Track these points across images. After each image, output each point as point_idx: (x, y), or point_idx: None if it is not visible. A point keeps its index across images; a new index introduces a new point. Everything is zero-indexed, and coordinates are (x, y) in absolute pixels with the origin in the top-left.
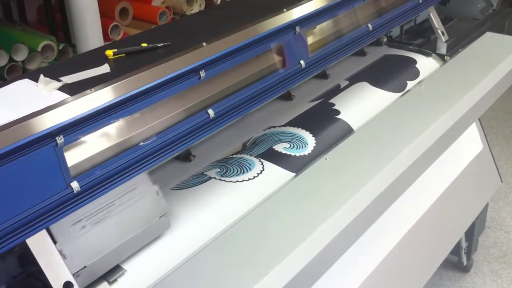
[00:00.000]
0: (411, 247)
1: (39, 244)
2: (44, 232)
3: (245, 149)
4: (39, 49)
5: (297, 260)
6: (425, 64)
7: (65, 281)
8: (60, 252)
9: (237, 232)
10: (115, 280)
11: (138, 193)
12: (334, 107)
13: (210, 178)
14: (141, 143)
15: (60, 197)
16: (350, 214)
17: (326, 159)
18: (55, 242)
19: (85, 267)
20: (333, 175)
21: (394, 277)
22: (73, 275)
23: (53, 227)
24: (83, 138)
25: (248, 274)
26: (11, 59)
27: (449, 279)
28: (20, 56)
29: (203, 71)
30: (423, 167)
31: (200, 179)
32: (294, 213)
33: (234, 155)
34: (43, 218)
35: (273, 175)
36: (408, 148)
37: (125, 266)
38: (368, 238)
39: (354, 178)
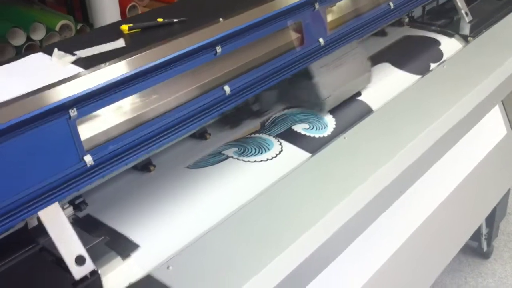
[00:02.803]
0: (430, 232)
1: (52, 218)
2: (56, 205)
3: (264, 128)
4: (57, 28)
5: (312, 239)
6: (449, 46)
7: (77, 254)
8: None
9: (251, 211)
10: (128, 255)
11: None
12: None
13: (227, 157)
14: (155, 119)
15: (73, 171)
16: (368, 194)
17: (344, 138)
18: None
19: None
20: (352, 154)
21: (412, 262)
22: None
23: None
24: (97, 112)
25: (261, 253)
26: (29, 38)
27: (468, 265)
28: (38, 35)
29: (220, 46)
30: (444, 149)
31: (218, 158)
32: (311, 192)
33: (253, 135)
34: (56, 191)
35: (291, 156)
36: (429, 129)
37: (139, 241)
38: (388, 221)
39: (373, 157)
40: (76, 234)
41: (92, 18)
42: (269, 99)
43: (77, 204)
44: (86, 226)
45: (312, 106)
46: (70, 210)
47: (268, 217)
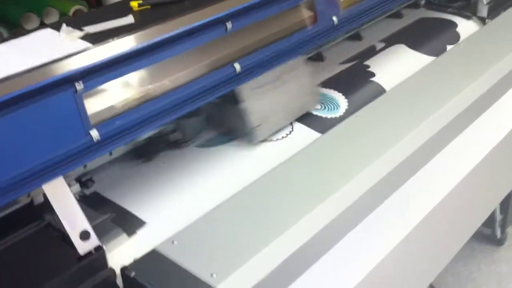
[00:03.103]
0: (442, 217)
1: (56, 192)
2: (61, 179)
3: None
4: (70, 13)
5: (320, 217)
6: (466, 28)
7: (82, 229)
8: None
9: (257, 189)
10: (134, 232)
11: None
12: (369, 69)
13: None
14: (163, 95)
15: (79, 145)
16: (379, 173)
17: (356, 116)
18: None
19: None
20: (363, 132)
21: (423, 247)
22: None
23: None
24: (104, 86)
25: (266, 230)
26: (42, 23)
27: (481, 251)
28: (51, 20)
29: (230, 22)
30: (458, 131)
31: (227, 137)
32: (320, 170)
33: None
34: (61, 165)
35: (302, 136)
36: (444, 109)
37: (145, 219)
38: (398, 204)
39: (385, 135)
40: (83, 210)
41: (105, 3)
42: (191, 127)
43: (84, 182)
44: (93, 203)
45: (241, 135)
46: (77, 187)
47: (274, 195)
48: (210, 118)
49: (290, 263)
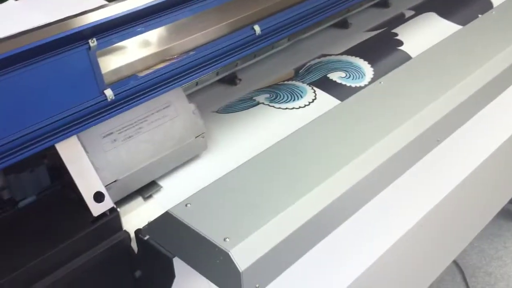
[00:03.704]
0: (468, 191)
1: (70, 152)
2: (75, 139)
3: (297, 76)
4: None
5: (342, 182)
6: None
7: (96, 191)
8: (92, 163)
9: (276, 152)
10: (150, 196)
11: (173, 111)
12: (397, 37)
13: (258, 103)
14: (180, 56)
15: (92, 104)
16: (404, 139)
17: (380, 82)
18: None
19: (116, 180)
20: (387, 98)
21: (446, 223)
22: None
23: (84, 138)
24: (119, 45)
25: (283, 195)
26: None
27: (508, 229)
28: None
29: None
30: (486, 100)
31: (248, 103)
32: (342, 134)
33: (286, 82)
34: (74, 124)
35: (325, 105)
36: (472, 76)
37: (161, 183)
38: (424, 175)
39: (410, 102)
40: None
41: None
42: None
43: None
44: None
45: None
46: None
47: (291, 160)
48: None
49: (305, 231)
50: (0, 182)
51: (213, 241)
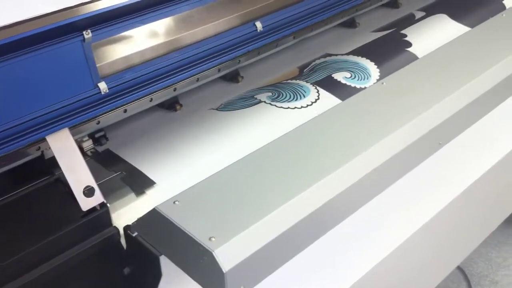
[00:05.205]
0: (474, 199)
1: (61, 144)
2: (66, 132)
3: (301, 75)
4: None
5: (332, 184)
6: None
7: (86, 185)
8: None
9: (270, 151)
10: (142, 192)
11: None
12: (406, 39)
13: (259, 101)
14: (177, 50)
15: (86, 97)
16: (403, 140)
17: (382, 83)
18: None
19: None
20: (389, 99)
21: (453, 225)
22: None
23: None
24: (115, 37)
25: (271, 197)
26: None
27: None
28: None
29: None
30: (493, 103)
31: (249, 101)
32: (341, 134)
33: (289, 80)
34: (66, 116)
35: (328, 105)
36: (479, 78)
37: (155, 179)
38: (432, 182)
39: (412, 103)
40: (93, 167)
41: None
42: None
43: (97, 138)
44: (104, 160)
45: None
46: (90, 143)
47: (283, 161)
48: None
49: (295, 233)
50: None
51: (198, 240)
